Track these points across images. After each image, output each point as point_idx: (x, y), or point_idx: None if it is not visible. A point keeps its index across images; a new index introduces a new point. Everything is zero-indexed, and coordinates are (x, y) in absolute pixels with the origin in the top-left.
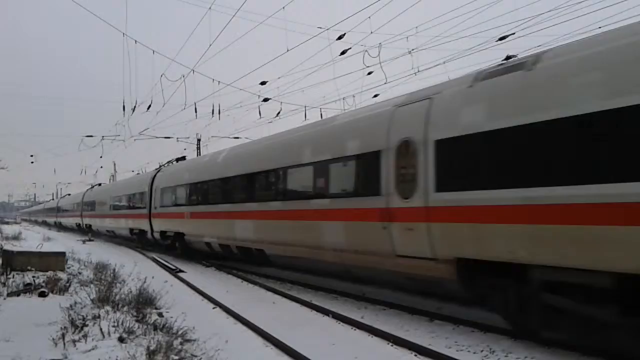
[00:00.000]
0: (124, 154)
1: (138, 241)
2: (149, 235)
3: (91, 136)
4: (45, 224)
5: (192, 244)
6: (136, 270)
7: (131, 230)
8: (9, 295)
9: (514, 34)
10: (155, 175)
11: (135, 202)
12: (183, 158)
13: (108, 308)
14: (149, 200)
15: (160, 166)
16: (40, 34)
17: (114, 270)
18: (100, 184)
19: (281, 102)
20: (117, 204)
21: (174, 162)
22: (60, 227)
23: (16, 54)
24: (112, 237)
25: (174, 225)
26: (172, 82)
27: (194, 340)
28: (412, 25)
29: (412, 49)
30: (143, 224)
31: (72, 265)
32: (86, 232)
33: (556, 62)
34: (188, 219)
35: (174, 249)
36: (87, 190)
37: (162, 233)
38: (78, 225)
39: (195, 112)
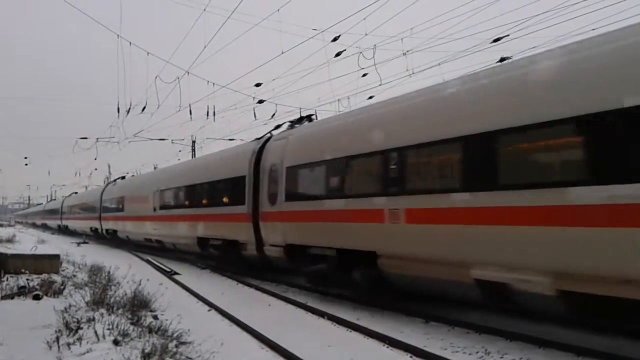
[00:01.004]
0: (119, 155)
1: (220, 259)
2: (249, 250)
3: (85, 138)
4: (45, 227)
5: (400, 277)
6: (131, 272)
7: (203, 240)
8: (2, 298)
9: (508, 35)
10: (263, 147)
11: (217, 195)
12: (308, 119)
13: (103, 311)
14: (251, 189)
15: (269, 132)
16: (34, 36)
17: (109, 272)
18: (124, 177)
19: (276, 104)
20: (171, 202)
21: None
22: (66, 231)
23: (10, 56)
24: (160, 251)
25: (346, 237)
26: (166, 84)
27: (189, 343)
28: (406, 27)
29: (407, 51)
30: (236, 232)
31: (67, 268)
32: (107, 238)
33: None
34: (397, 223)
35: (336, 282)
36: (109, 184)
37: (292, 249)
38: (94, 230)
39: (190, 114)
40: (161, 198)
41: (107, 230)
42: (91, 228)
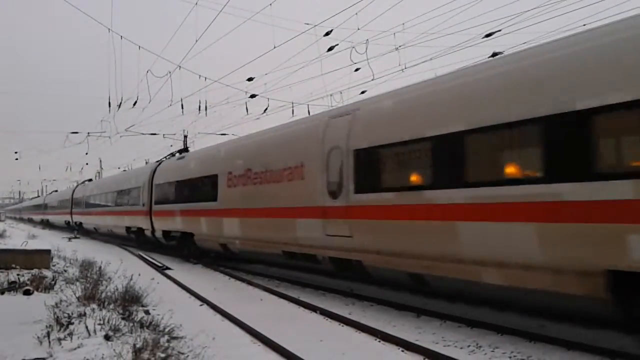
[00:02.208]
0: (110, 150)
1: None
2: None
3: (76, 132)
4: (47, 224)
5: None
6: (122, 267)
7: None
8: None
9: (500, 30)
10: None
11: None
12: None
13: (94, 306)
14: None
15: None
16: (24, 30)
17: (100, 267)
18: (186, 148)
19: (268, 99)
20: (439, 173)
21: None
22: (79, 229)
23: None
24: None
25: None
26: (158, 78)
27: (181, 338)
28: (399, 22)
29: (399, 46)
30: None
31: (58, 263)
32: (166, 245)
33: None
34: None
35: None
36: (162, 161)
37: None
38: (134, 231)
39: (182, 108)
40: (372, 168)
41: (165, 232)
42: (129, 228)
